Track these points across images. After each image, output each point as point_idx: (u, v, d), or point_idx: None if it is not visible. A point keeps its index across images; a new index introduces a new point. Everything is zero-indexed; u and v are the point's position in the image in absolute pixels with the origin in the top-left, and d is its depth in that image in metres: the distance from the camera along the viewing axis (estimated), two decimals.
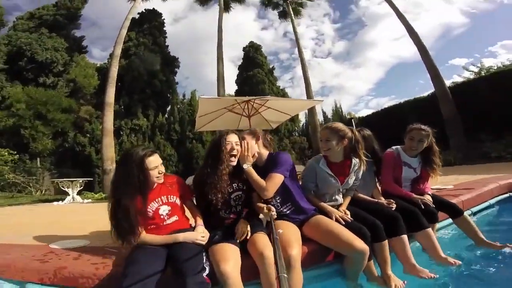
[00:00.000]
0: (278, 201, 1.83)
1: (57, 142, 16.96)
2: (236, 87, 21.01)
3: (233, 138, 1.77)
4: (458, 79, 16.63)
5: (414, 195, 2.16)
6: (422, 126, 2.23)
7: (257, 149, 1.86)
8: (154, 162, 1.64)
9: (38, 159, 15.58)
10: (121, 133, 16.05)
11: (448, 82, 12.43)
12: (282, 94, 20.08)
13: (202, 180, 1.72)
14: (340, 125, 1.95)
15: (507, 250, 1.96)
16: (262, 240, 1.50)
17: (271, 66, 21.35)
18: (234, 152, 1.75)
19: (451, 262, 1.79)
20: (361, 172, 2.02)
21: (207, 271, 1.41)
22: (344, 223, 1.73)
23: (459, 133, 10.64)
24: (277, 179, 1.72)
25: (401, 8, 13.31)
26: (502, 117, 9.63)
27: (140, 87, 18.15)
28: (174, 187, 1.79)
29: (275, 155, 1.86)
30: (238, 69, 21.29)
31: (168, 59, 20.60)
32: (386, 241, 1.74)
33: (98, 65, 22.67)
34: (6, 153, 10.56)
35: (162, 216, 1.70)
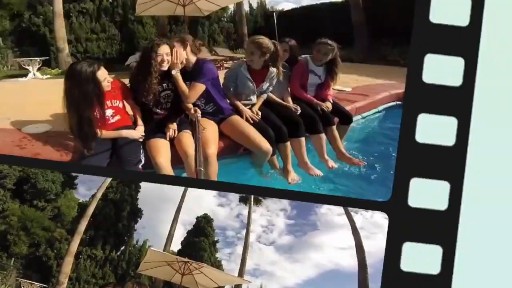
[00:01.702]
0: (202, 102, 2.00)
1: (14, 23, 16.24)
2: None
3: (164, 50, 1.80)
4: None
5: (315, 101, 2.40)
6: (329, 41, 2.37)
7: (185, 55, 1.93)
8: (103, 74, 1.67)
9: (1, 39, 15.14)
10: (71, 15, 15.60)
11: None
12: None
13: (136, 83, 1.89)
14: (265, 41, 2.07)
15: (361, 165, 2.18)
16: (187, 139, 1.75)
17: None
18: (165, 64, 1.81)
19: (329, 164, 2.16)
20: (275, 80, 2.26)
21: (142, 162, 1.64)
22: (252, 122, 2.00)
23: (363, 38, 11.39)
24: (199, 88, 1.89)
25: None
26: (405, 25, 11.14)
27: None
28: (117, 92, 1.85)
29: (201, 64, 1.97)
30: None
31: None
32: (288, 142, 2.04)
33: None
34: None
35: (107, 117, 1.78)
